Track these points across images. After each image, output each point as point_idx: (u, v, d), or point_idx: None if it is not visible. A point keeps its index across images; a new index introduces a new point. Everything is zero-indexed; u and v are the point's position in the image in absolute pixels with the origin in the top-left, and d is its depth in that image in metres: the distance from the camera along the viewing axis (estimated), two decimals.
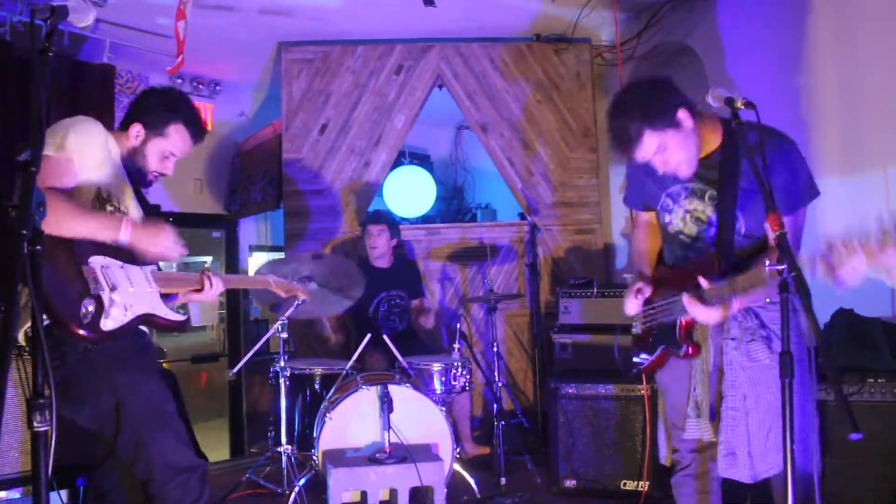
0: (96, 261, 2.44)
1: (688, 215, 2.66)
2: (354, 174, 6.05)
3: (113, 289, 2.45)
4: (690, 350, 2.59)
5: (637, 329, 2.89)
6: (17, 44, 4.76)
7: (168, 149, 2.76)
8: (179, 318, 2.72)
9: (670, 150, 2.47)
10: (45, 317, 2.30)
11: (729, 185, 2.50)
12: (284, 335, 4.26)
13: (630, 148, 2.49)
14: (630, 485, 4.09)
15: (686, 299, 2.42)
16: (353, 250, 5.86)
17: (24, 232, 1.65)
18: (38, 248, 1.72)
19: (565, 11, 5.71)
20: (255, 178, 6.76)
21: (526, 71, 6.19)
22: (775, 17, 4.52)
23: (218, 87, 6.87)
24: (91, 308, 2.37)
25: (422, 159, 7.96)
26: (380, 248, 5.23)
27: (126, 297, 2.48)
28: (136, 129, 2.72)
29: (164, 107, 2.75)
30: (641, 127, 2.43)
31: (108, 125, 5.34)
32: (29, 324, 2.36)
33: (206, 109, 6.84)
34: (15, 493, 3.16)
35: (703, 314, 2.40)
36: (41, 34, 1.84)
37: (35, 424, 1.81)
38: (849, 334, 3.47)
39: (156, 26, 5.39)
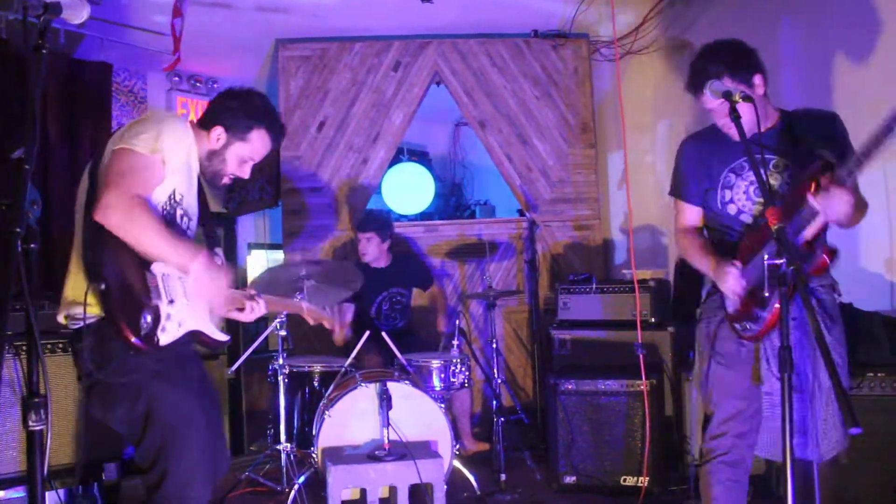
0: (158, 268, 2.39)
1: (752, 187, 2.69)
2: (352, 171, 6.04)
3: (171, 302, 2.41)
4: (825, 256, 2.47)
5: (735, 305, 2.77)
6: (12, 41, 4.74)
7: (248, 154, 2.72)
8: (224, 338, 2.68)
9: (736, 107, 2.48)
10: (100, 314, 2.31)
11: (796, 149, 2.57)
12: (283, 333, 4.25)
13: (703, 84, 2.55)
14: (630, 480, 4.09)
15: (835, 189, 2.31)
16: (352, 251, 5.85)
17: (18, 230, 1.64)
18: (33, 245, 1.71)
19: (563, 7, 5.70)
20: (254, 175, 6.71)
21: (524, 67, 6.17)
22: (773, 13, 4.51)
23: (215, 85, 6.85)
24: (150, 320, 2.34)
25: (420, 156, 7.94)
26: (370, 254, 5.20)
27: (181, 312, 2.45)
28: (218, 132, 2.67)
29: (246, 112, 2.70)
30: (721, 71, 2.55)
31: (106, 122, 5.42)
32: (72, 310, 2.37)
33: (204, 107, 6.81)
34: (18, 492, 3.16)
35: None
36: (35, 31, 1.83)
37: (30, 424, 1.81)
38: (848, 329, 3.43)
39: (152, 24, 5.37)
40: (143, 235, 2.27)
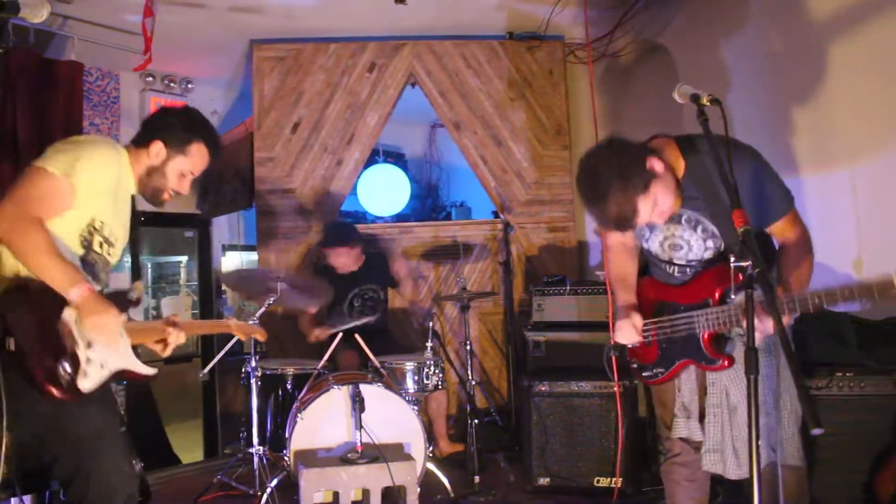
0: (70, 314, 2.35)
1: (666, 242, 2.69)
2: (327, 173, 6.02)
3: (88, 345, 2.39)
4: (727, 362, 2.55)
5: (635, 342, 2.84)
6: None
7: (188, 168, 2.74)
8: (151, 371, 2.65)
9: (660, 198, 2.44)
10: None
11: (714, 197, 2.46)
12: None
13: (631, 221, 2.43)
14: (603, 481, 4.10)
15: (760, 312, 2.20)
16: (323, 254, 5.82)
17: None
18: None
19: (538, 9, 5.71)
20: (228, 176, 6.70)
21: (499, 69, 6.18)
22: (746, 17, 4.54)
23: (189, 85, 6.81)
24: (69, 369, 2.32)
25: (396, 157, 7.94)
26: (343, 266, 5.17)
27: (101, 353, 2.43)
28: (157, 148, 2.67)
29: (184, 126, 2.72)
30: (633, 199, 2.38)
31: (77, 124, 5.36)
32: None
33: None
34: None
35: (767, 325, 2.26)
36: None
37: None
38: (818, 329, 3.50)
39: (124, 23, 5.33)
40: (25, 249, 2.26)
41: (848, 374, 3.30)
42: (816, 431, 1.68)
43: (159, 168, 2.69)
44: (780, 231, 2.54)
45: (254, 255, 6.46)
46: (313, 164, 6.00)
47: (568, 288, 4.83)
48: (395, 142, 8.06)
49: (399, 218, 7.20)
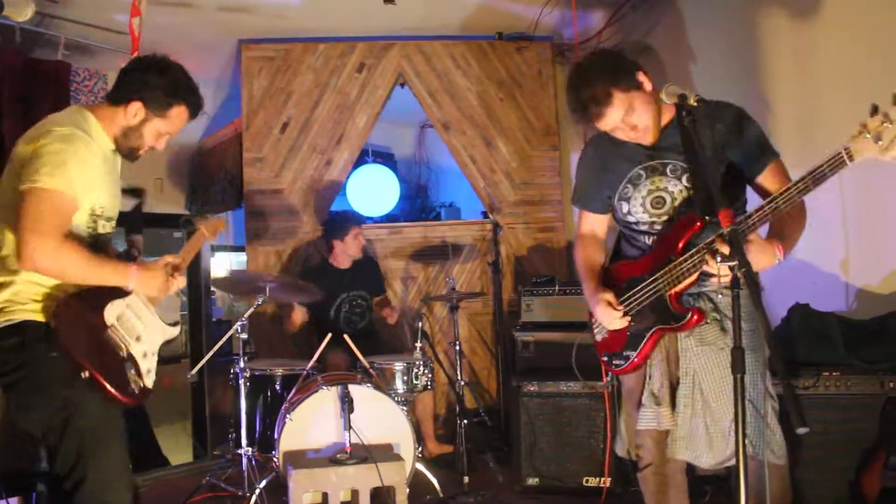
0: (110, 315, 2.42)
1: (648, 197, 2.63)
2: (316, 173, 6.01)
3: (137, 339, 2.49)
4: (696, 317, 2.47)
5: (602, 334, 2.82)
6: None
7: (166, 129, 2.65)
8: (176, 333, 2.75)
9: (637, 111, 2.47)
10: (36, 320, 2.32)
11: (695, 150, 2.42)
12: (244, 336, 4.21)
13: (600, 112, 2.46)
14: (592, 481, 4.11)
15: (720, 244, 2.18)
16: (314, 251, 5.82)
17: None
18: None
19: (526, 10, 5.72)
20: (216, 177, 6.68)
21: (488, 69, 6.19)
22: (734, 17, 4.57)
23: None
24: (133, 372, 2.42)
25: (385, 158, 7.93)
26: (357, 252, 5.22)
27: (147, 339, 2.54)
28: (136, 108, 2.57)
29: (168, 89, 2.60)
30: (609, 88, 2.42)
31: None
32: None
33: None
34: None
35: (756, 256, 2.21)
36: None
37: None
38: (804, 329, 3.52)
39: (111, 22, 5.30)
40: (75, 272, 2.32)
41: (834, 374, 3.32)
42: (801, 430, 1.69)
43: (136, 128, 2.59)
44: (770, 183, 2.49)
45: (243, 256, 6.44)
46: (302, 165, 5.99)
47: (557, 288, 4.84)
48: (385, 142, 8.05)
49: (388, 218, 7.19)
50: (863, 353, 3.36)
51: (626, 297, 2.66)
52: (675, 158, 2.56)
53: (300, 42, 6.05)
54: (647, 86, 2.50)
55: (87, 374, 2.28)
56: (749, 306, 2.09)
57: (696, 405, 2.55)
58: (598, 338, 2.83)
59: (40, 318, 2.33)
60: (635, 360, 2.66)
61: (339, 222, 5.33)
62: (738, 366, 1.94)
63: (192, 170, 7.28)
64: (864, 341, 3.40)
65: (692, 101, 2.29)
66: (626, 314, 2.65)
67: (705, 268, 2.34)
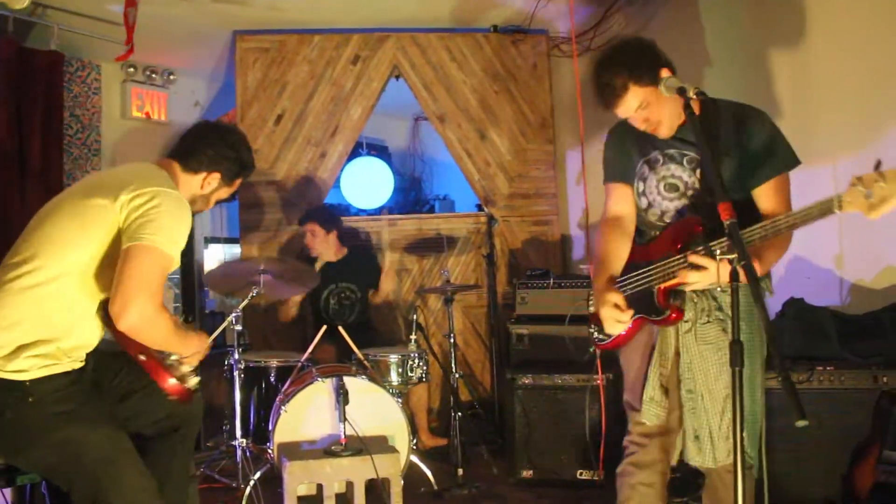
0: None
1: (662, 182, 2.64)
2: (311, 165, 5.99)
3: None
4: (674, 315, 2.50)
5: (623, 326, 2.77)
6: None
7: (226, 194, 2.77)
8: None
9: (652, 106, 2.49)
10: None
11: (711, 145, 2.45)
12: (238, 328, 4.20)
13: (614, 101, 2.51)
14: (586, 474, 4.13)
15: (692, 257, 2.28)
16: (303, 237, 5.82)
17: None
18: None
19: (522, 3, 5.71)
20: None
21: (483, 62, 6.18)
22: (731, 11, 4.57)
23: (172, 77, 6.76)
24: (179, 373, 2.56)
25: (379, 150, 7.91)
26: (316, 247, 5.18)
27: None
28: (213, 180, 2.68)
29: (241, 163, 2.73)
30: (627, 82, 2.45)
31: (58, 115, 5.30)
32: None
33: (160, 99, 6.73)
34: None
35: (706, 275, 2.27)
36: None
37: None
38: (799, 323, 3.53)
39: (105, 13, 5.28)
40: (157, 338, 2.41)
41: (828, 369, 3.33)
42: (801, 424, 1.70)
43: (206, 196, 2.71)
44: (763, 201, 2.49)
45: (236, 248, 6.43)
46: (297, 157, 5.97)
47: (551, 281, 4.84)
48: (379, 134, 8.03)
49: (382, 211, 7.18)
50: (857, 348, 3.37)
51: (622, 279, 2.68)
52: (693, 151, 2.58)
53: (295, 33, 6.03)
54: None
55: (144, 357, 2.41)
56: (747, 313, 2.09)
57: (697, 403, 2.55)
58: (593, 309, 2.81)
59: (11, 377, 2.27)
60: (616, 338, 2.69)
61: (306, 212, 5.35)
62: (736, 359, 1.94)
63: None
64: (858, 336, 3.42)
65: (691, 94, 2.29)
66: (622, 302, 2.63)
67: (680, 278, 2.38)
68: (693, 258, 2.28)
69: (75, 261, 2.34)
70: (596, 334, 2.78)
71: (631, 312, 2.56)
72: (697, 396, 2.55)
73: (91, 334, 2.43)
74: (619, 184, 2.78)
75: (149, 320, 2.26)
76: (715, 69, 4.66)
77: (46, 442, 2.27)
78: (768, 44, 4.27)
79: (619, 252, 2.72)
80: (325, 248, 5.18)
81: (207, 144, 2.67)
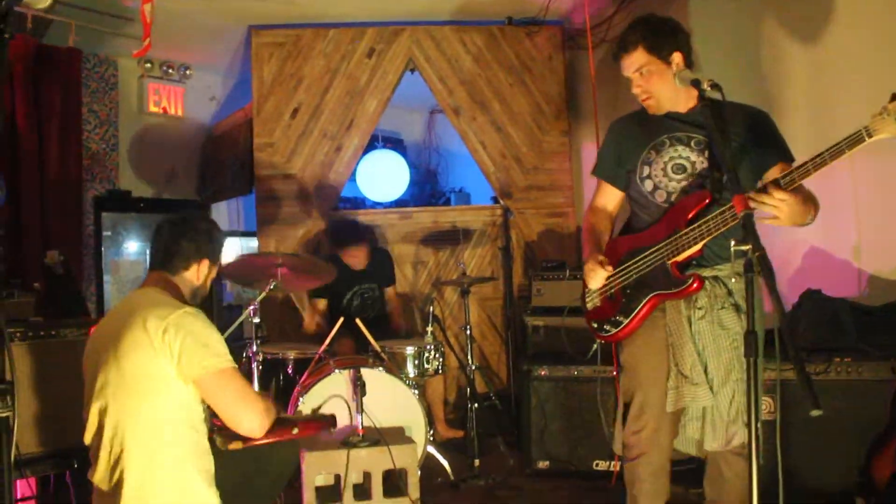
0: None
1: (670, 163, 2.67)
2: (326, 158, 6.02)
3: None
4: (696, 283, 2.54)
5: (594, 302, 2.86)
6: None
7: (216, 272, 2.80)
8: None
9: (653, 77, 2.63)
10: None
11: (722, 129, 2.48)
12: (256, 320, 4.22)
13: (620, 54, 2.67)
14: (602, 465, 4.14)
15: (773, 191, 2.29)
16: (325, 239, 5.84)
17: None
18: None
19: None
20: (227, 162, 6.70)
21: (498, 54, 6.18)
22: (747, 2, 4.55)
23: (188, 72, 6.80)
24: None
25: (395, 143, 7.93)
26: (357, 264, 5.20)
27: None
28: (203, 267, 2.71)
29: (216, 238, 2.77)
30: (639, 42, 2.62)
31: (76, 111, 5.35)
32: None
33: (177, 94, 6.78)
34: None
35: (786, 205, 2.30)
36: None
37: None
38: (816, 315, 3.52)
39: (123, 9, 5.31)
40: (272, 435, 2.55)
41: (846, 360, 3.33)
42: (815, 413, 1.70)
43: (203, 284, 2.74)
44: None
45: (254, 242, 6.46)
46: (313, 150, 6.00)
47: (567, 273, 4.85)
48: (394, 127, 8.05)
49: (398, 203, 7.20)
50: (874, 339, 3.37)
51: (625, 265, 2.72)
52: (701, 134, 2.65)
53: (310, 28, 6.05)
54: (674, 67, 2.61)
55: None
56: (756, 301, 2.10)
57: (707, 385, 2.57)
58: (590, 306, 2.89)
59: None
60: (626, 326, 2.71)
61: (338, 238, 5.32)
62: (750, 349, 1.95)
63: (202, 157, 7.29)
64: (876, 327, 3.41)
65: (705, 86, 2.33)
66: (619, 287, 2.73)
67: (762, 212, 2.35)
68: (773, 191, 2.29)
69: None
70: (604, 326, 2.81)
71: (610, 269, 2.72)
72: (710, 381, 2.57)
73: None
74: (605, 183, 2.94)
75: (267, 420, 2.48)
76: (730, 60, 4.63)
77: None
78: (784, 32, 4.25)
79: (603, 228, 2.93)
80: (364, 260, 5.22)
81: (182, 239, 2.67)
